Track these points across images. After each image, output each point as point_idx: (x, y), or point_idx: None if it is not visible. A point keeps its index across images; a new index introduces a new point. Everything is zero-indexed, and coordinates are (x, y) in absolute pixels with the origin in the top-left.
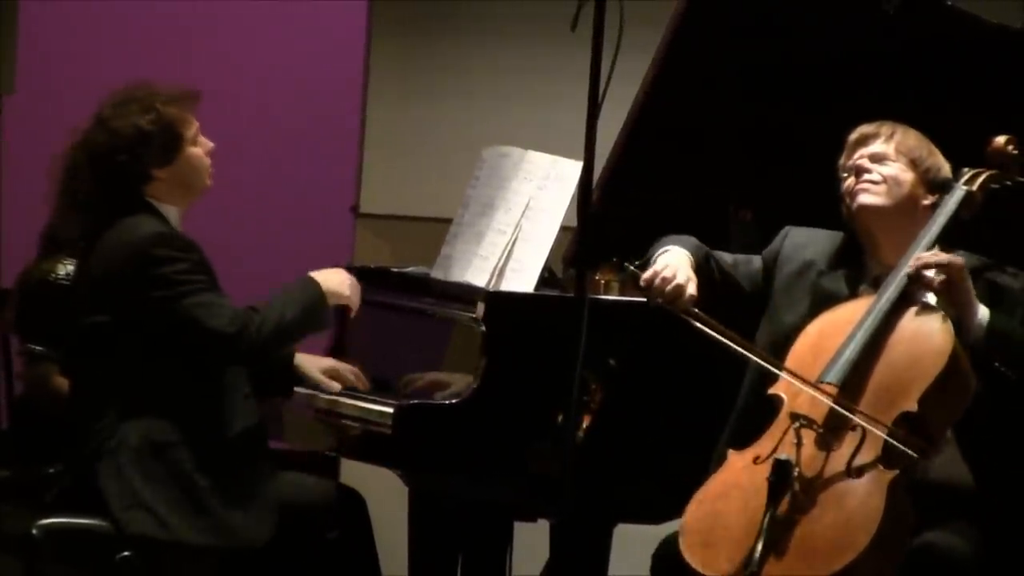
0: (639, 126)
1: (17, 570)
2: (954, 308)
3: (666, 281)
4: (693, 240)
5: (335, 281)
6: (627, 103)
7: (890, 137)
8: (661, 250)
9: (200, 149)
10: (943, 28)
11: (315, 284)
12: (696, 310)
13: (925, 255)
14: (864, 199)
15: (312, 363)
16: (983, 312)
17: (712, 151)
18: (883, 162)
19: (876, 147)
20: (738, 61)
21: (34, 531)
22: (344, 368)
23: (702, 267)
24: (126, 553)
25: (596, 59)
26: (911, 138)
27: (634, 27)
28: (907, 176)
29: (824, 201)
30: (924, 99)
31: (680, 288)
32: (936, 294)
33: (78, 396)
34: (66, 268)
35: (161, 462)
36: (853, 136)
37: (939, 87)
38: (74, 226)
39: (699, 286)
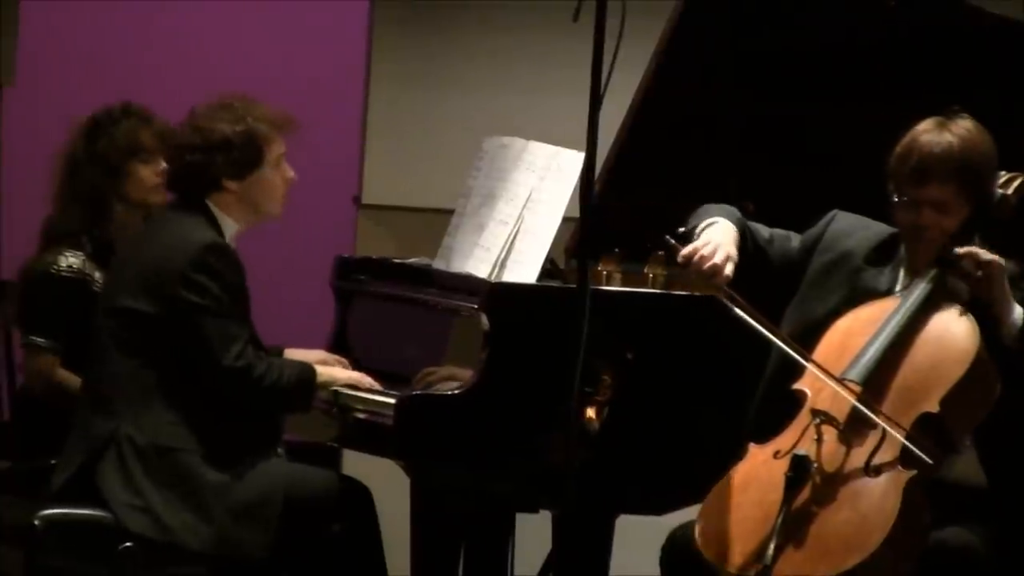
0: (641, 117)
1: (18, 561)
2: (990, 305)
3: (704, 259)
4: (733, 210)
5: (328, 370)
6: (629, 92)
7: (952, 174)
8: (706, 222)
9: (279, 175)
10: (947, 20)
11: (312, 369)
12: (728, 290)
13: (970, 247)
14: (925, 247)
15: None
16: (1018, 312)
17: (714, 142)
18: (945, 212)
19: (937, 191)
20: (741, 52)
21: (36, 522)
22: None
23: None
24: (128, 544)
25: (598, 50)
26: (975, 156)
27: (636, 16)
28: (965, 211)
29: (827, 192)
30: (929, 91)
31: (716, 268)
32: (973, 289)
33: (90, 386)
34: (68, 260)
35: (167, 465)
36: (912, 161)
37: (944, 80)
38: (75, 218)
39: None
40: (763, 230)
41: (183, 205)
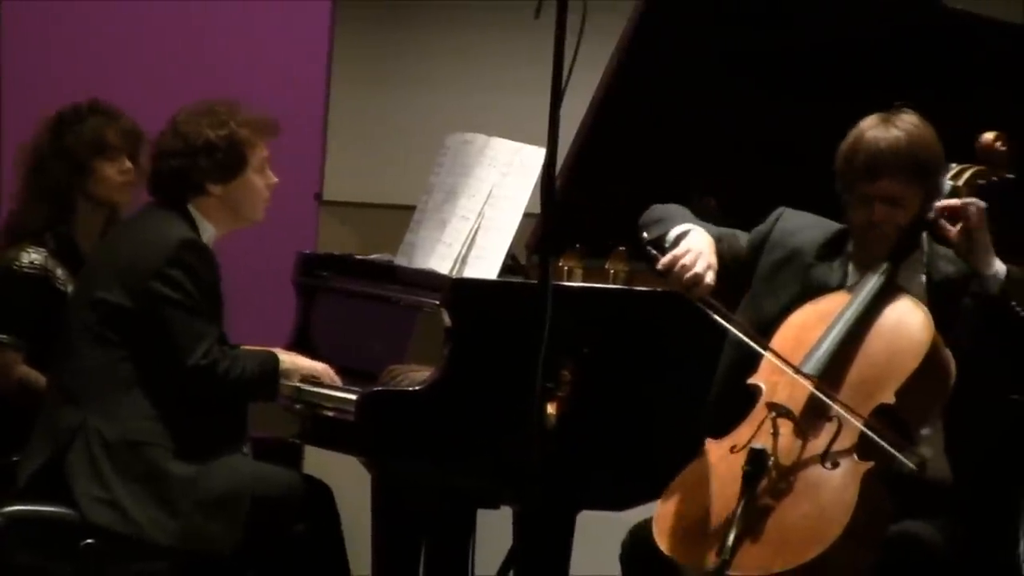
0: (603, 113)
1: None
2: (971, 257)
3: (685, 268)
4: (686, 211)
5: (289, 360)
6: (590, 89)
7: (902, 168)
8: (679, 229)
9: (262, 180)
10: (907, 18)
11: (275, 358)
12: (711, 299)
13: (945, 201)
14: (876, 242)
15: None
16: (1000, 266)
17: (675, 139)
18: (897, 205)
19: (888, 186)
20: (702, 49)
21: None
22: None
23: None
24: (90, 541)
25: (559, 47)
26: (922, 150)
27: (598, 13)
28: (917, 203)
29: (789, 190)
30: (886, 87)
31: (698, 277)
32: (953, 244)
33: (57, 379)
34: (30, 257)
35: (135, 458)
36: (860, 157)
37: (901, 76)
38: (39, 215)
39: None
40: (712, 228)
41: (163, 205)
